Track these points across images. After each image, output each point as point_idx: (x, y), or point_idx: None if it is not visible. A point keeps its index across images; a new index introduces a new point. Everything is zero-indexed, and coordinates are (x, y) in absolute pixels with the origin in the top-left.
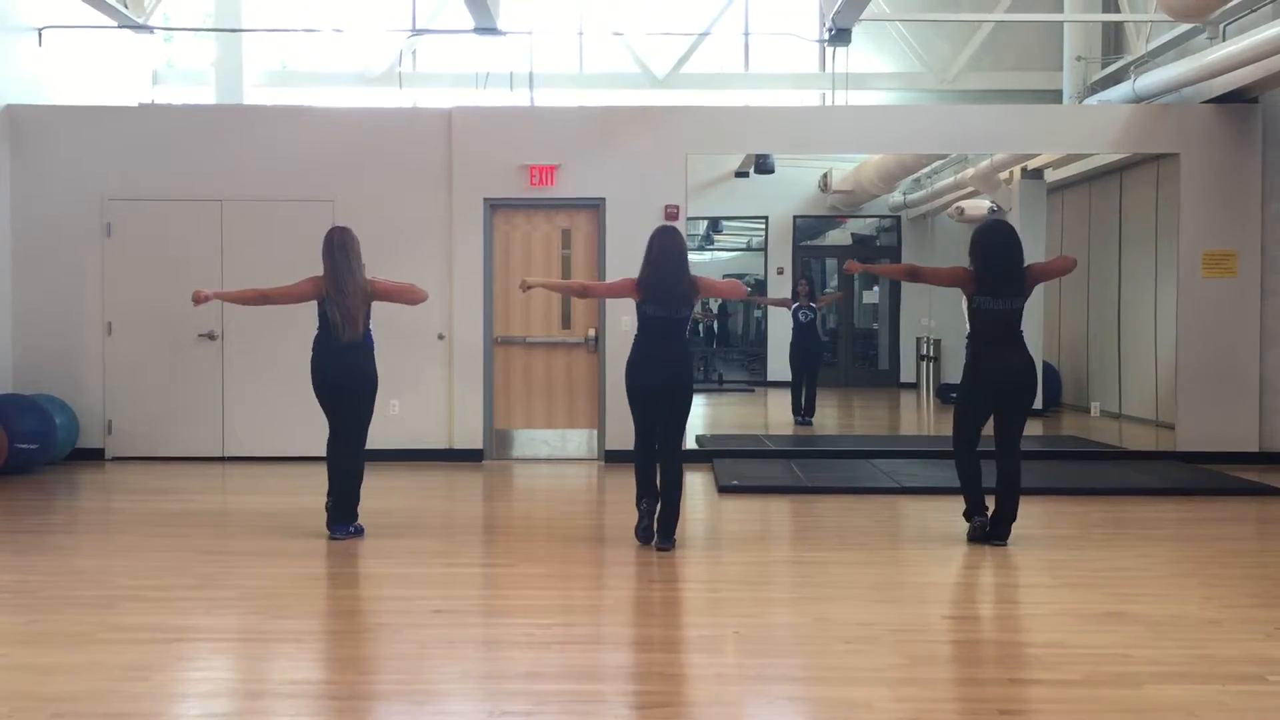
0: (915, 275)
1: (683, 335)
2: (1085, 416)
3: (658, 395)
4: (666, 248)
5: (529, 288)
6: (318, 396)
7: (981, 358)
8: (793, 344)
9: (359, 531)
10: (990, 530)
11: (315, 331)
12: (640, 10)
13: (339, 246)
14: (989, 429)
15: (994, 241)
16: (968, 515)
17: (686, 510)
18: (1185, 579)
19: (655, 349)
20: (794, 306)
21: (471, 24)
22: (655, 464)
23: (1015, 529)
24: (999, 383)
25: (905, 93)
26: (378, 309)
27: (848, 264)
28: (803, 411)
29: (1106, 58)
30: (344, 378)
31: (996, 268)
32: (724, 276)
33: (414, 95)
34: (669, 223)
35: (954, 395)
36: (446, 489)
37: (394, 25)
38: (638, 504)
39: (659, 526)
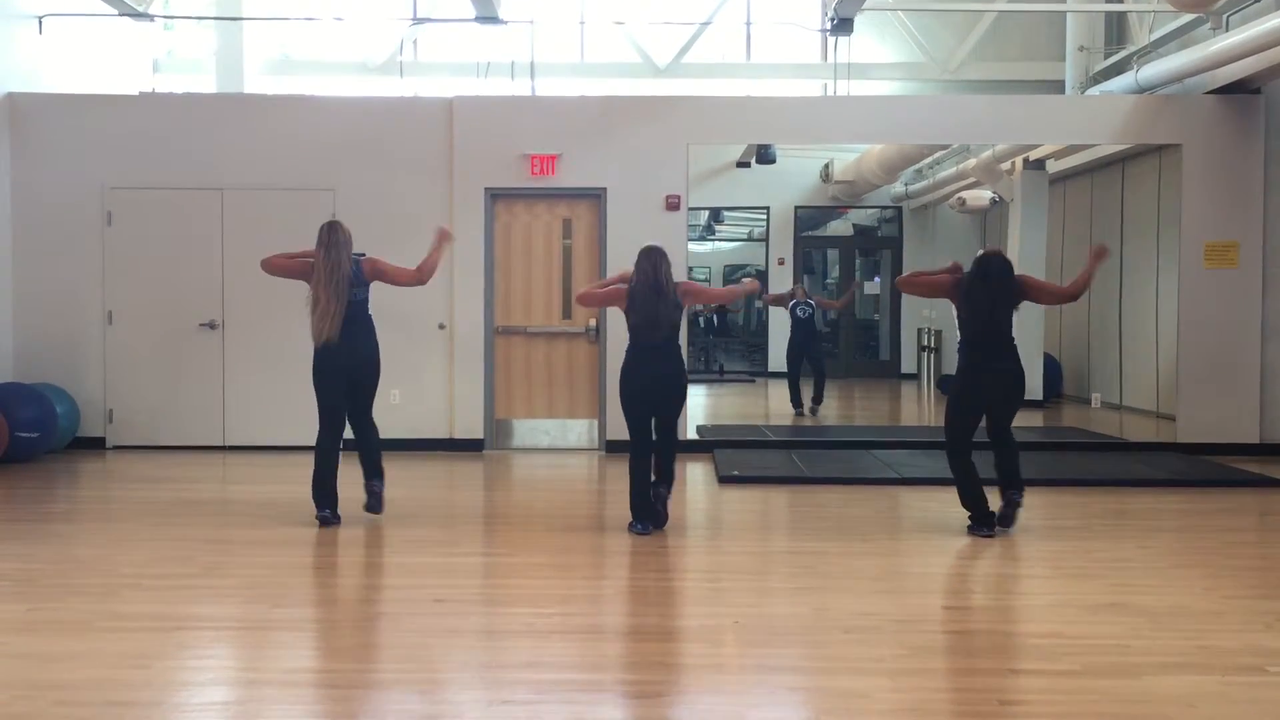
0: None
1: (673, 345)
2: (1086, 408)
3: (652, 401)
4: (645, 271)
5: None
6: (322, 383)
7: (976, 368)
8: (790, 340)
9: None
10: (1000, 515)
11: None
12: (642, 0)
13: (328, 242)
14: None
15: (982, 278)
16: (977, 524)
17: (687, 500)
18: (1186, 570)
19: (648, 359)
20: (791, 303)
21: (473, 13)
22: (650, 477)
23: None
24: (991, 388)
25: (907, 83)
26: (379, 297)
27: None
28: (812, 400)
29: (1109, 48)
30: (349, 361)
31: (980, 315)
32: (724, 268)
33: (415, 84)
34: (654, 244)
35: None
36: (447, 478)
37: (395, 14)
38: (634, 524)
39: (652, 514)
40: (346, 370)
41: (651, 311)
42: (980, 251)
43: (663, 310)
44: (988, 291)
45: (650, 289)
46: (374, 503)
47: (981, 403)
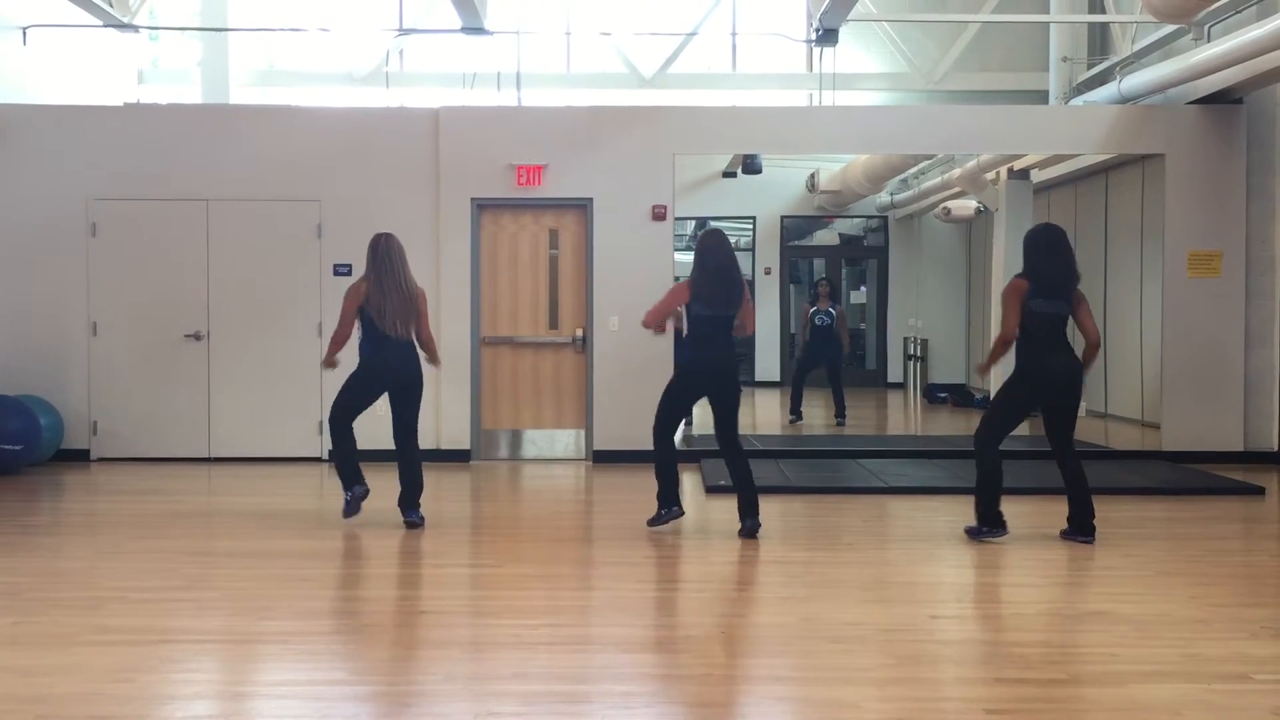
0: (1008, 341)
1: (730, 333)
2: None
3: (714, 386)
4: (721, 250)
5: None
6: (364, 388)
7: (1044, 363)
8: (808, 346)
9: (420, 520)
10: (1075, 529)
11: (359, 338)
12: (628, 10)
13: (383, 252)
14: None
15: (1052, 242)
16: (990, 525)
17: None
18: (1171, 578)
19: (710, 346)
20: (811, 311)
21: (459, 24)
22: (677, 462)
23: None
24: (1058, 388)
25: (892, 93)
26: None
27: (980, 369)
28: (836, 415)
29: (1092, 58)
30: (400, 373)
31: (1058, 270)
32: None
33: (401, 95)
34: (715, 226)
35: (979, 399)
36: (433, 489)
37: (381, 25)
38: (667, 510)
39: (749, 511)
40: (392, 381)
41: (728, 285)
42: (978, 211)
43: (735, 285)
44: (1065, 253)
45: (724, 265)
46: (413, 521)
47: (1039, 401)
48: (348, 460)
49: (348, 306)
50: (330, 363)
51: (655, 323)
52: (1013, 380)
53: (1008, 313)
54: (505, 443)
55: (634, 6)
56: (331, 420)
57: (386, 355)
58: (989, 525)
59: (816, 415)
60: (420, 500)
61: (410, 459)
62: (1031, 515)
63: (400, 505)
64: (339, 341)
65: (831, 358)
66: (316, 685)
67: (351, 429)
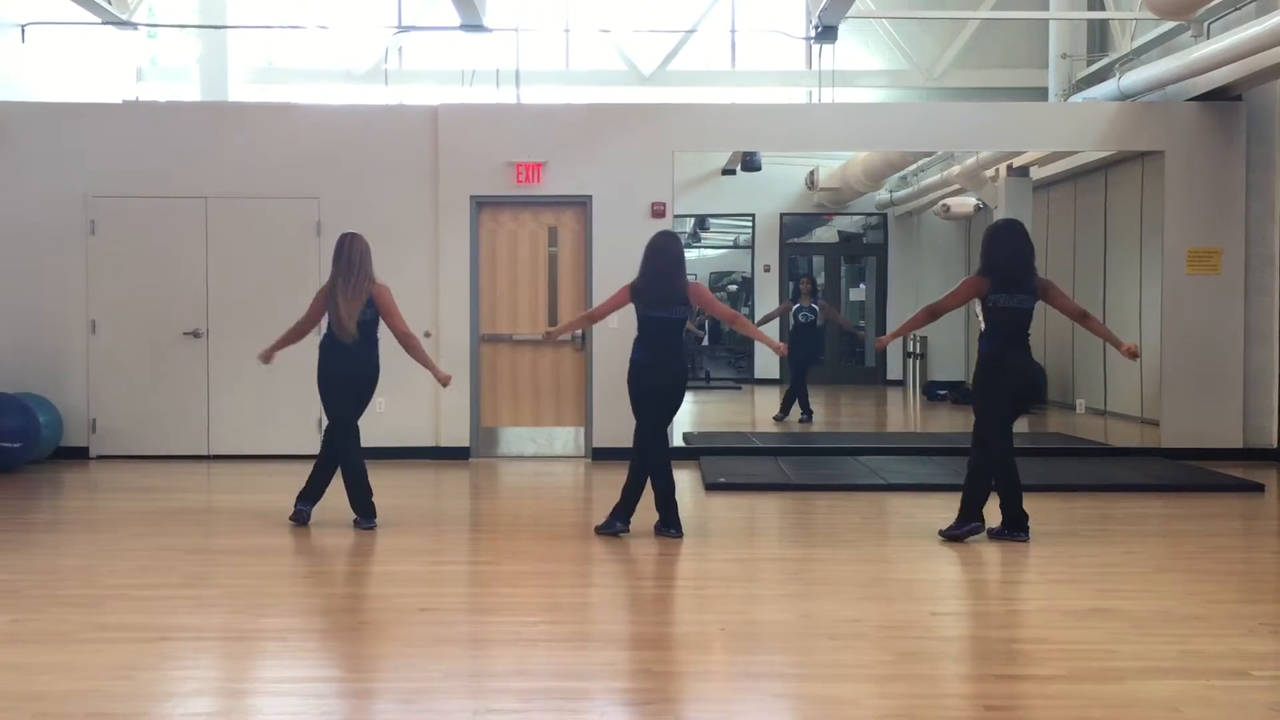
0: (935, 313)
1: (679, 336)
2: (1071, 413)
3: (653, 390)
4: (660, 249)
5: (552, 335)
6: (326, 393)
7: (1004, 357)
8: (793, 344)
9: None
10: (964, 519)
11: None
12: (627, 7)
13: (345, 254)
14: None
15: (1008, 236)
16: (1016, 527)
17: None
18: (1170, 574)
19: (656, 351)
20: (794, 307)
21: (458, 21)
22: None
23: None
24: (1018, 385)
25: (891, 90)
26: None
27: (878, 342)
28: (780, 411)
29: (1092, 55)
30: (342, 374)
31: (1013, 263)
32: (710, 275)
33: (400, 92)
34: (665, 228)
35: (970, 399)
36: (433, 487)
37: (380, 22)
38: (622, 518)
39: (669, 517)
40: (344, 378)
41: (663, 285)
42: (977, 208)
43: (673, 284)
44: (1020, 246)
45: (661, 265)
46: (297, 516)
47: (1012, 396)
48: (357, 485)
49: (313, 303)
50: (267, 356)
51: (594, 320)
52: (978, 375)
53: (952, 294)
54: (504, 440)
55: (633, 4)
56: (335, 435)
57: (329, 363)
58: (1012, 528)
59: (821, 413)
60: (311, 505)
61: (330, 457)
62: (1032, 513)
63: (301, 496)
64: (287, 338)
65: (809, 355)
66: (316, 682)
67: (356, 445)
